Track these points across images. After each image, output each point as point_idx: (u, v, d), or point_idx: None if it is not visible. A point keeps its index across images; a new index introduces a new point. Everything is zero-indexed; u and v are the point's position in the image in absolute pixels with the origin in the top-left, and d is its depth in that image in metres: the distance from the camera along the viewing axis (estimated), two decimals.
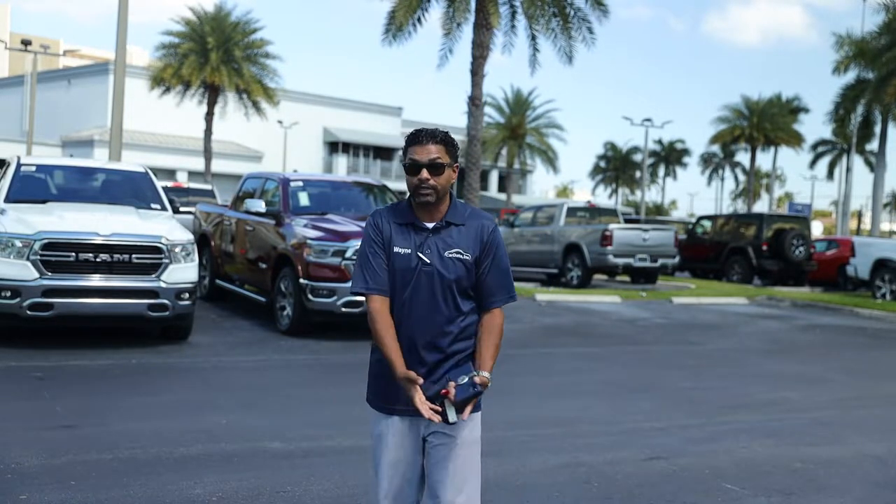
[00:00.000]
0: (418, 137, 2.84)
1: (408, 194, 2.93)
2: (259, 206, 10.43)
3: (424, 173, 2.80)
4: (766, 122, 50.13)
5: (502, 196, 54.62)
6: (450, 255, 2.84)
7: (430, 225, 2.87)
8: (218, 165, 41.81)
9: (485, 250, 2.88)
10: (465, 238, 2.87)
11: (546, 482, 4.94)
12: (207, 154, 36.04)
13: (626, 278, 19.86)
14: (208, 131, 35.61)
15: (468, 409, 2.75)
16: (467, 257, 2.85)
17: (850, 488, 5.17)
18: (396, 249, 2.85)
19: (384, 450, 2.92)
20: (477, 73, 19.01)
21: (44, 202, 9.12)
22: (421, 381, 2.74)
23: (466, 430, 2.89)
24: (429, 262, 2.83)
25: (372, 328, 2.85)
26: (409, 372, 2.75)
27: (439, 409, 2.73)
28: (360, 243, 2.94)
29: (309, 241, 9.42)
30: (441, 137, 2.84)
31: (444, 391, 2.75)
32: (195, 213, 13.15)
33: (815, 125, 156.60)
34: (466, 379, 2.74)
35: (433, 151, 2.81)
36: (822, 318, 14.93)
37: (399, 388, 2.81)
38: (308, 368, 8.40)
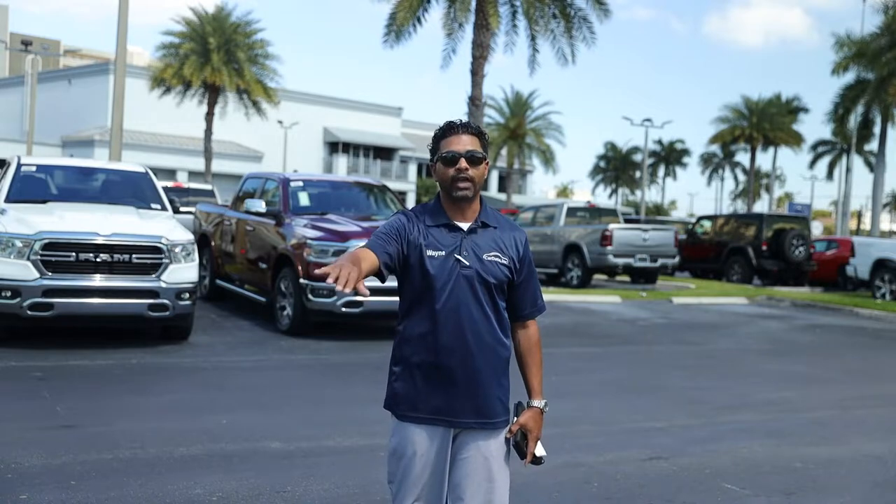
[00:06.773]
0: (453, 128, 2.67)
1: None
2: (259, 206, 10.43)
3: (463, 163, 2.62)
4: (765, 122, 50.13)
5: (502, 196, 54.55)
6: (489, 258, 2.66)
7: (465, 226, 2.68)
8: (218, 165, 41.81)
9: (522, 263, 2.75)
10: (501, 242, 2.71)
11: (546, 482, 4.93)
12: (207, 154, 36.02)
13: (626, 278, 19.86)
14: (208, 131, 35.59)
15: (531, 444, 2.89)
16: (505, 261, 2.69)
17: (850, 488, 5.17)
18: (430, 253, 2.63)
19: (407, 464, 2.71)
20: (477, 73, 19.02)
21: (44, 202, 9.12)
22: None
23: (498, 443, 2.83)
24: (468, 264, 2.64)
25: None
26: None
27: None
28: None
29: (309, 241, 9.42)
30: (475, 130, 2.69)
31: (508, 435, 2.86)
32: (195, 213, 13.15)
33: (815, 125, 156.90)
34: (517, 432, 2.90)
35: (469, 143, 2.65)
36: (822, 318, 14.93)
37: (424, 391, 2.68)
38: (308, 368, 8.39)
